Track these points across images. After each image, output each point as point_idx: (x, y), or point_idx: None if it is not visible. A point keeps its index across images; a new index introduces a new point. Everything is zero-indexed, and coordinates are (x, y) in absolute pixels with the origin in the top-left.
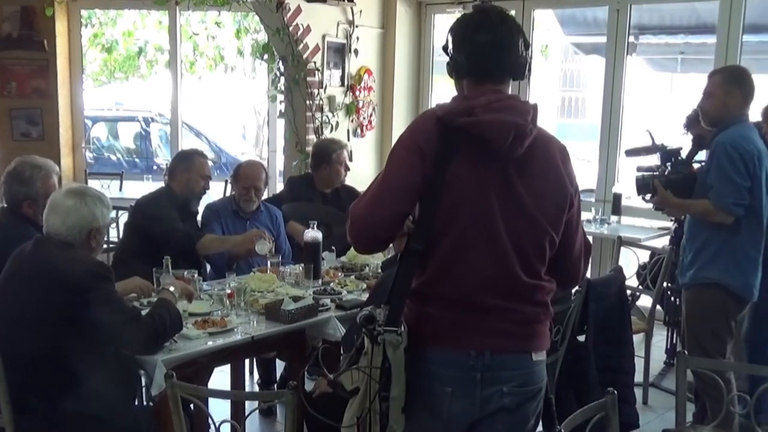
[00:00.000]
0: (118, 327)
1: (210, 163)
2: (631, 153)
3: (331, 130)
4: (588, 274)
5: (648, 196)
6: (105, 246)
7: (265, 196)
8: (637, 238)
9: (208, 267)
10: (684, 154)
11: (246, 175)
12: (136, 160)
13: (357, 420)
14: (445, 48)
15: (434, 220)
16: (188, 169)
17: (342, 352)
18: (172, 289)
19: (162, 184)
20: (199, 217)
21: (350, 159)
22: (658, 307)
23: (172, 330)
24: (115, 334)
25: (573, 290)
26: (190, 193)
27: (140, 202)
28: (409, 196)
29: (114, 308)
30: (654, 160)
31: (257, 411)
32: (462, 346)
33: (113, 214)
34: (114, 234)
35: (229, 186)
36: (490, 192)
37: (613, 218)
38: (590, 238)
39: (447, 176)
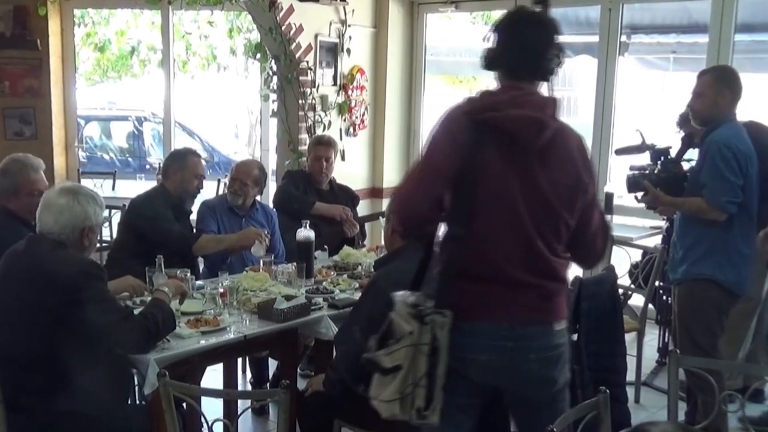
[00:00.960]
0: (110, 326)
1: (203, 162)
2: (620, 152)
3: (324, 130)
4: (580, 273)
5: (640, 195)
6: (98, 245)
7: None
8: (629, 237)
9: (201, 266)
10: (673, 152)
11: (236, 169)
12: (129, 159)
13: (400, 396)
14: (485, 39)
15: (467, 206)
16: (182, 168)
17: (335, 350)
18: (166, 289)
19: (155, 183)
20: (193, 216)
21: (342, 158)
22: (650, 306)
23: (165, 329)
24: (107, 334)
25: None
26: (184, 193)
27: (135, 202)
28: (445, 181)
29: (106, 307)
30: (646, 159)
31: (250, 410)
32: (496, 319)
33: (106, 213)
34: (107, 233)
35: (222, 185)
36: (514, 180)
37: (606, 217)
38: None
39: (477, 166)
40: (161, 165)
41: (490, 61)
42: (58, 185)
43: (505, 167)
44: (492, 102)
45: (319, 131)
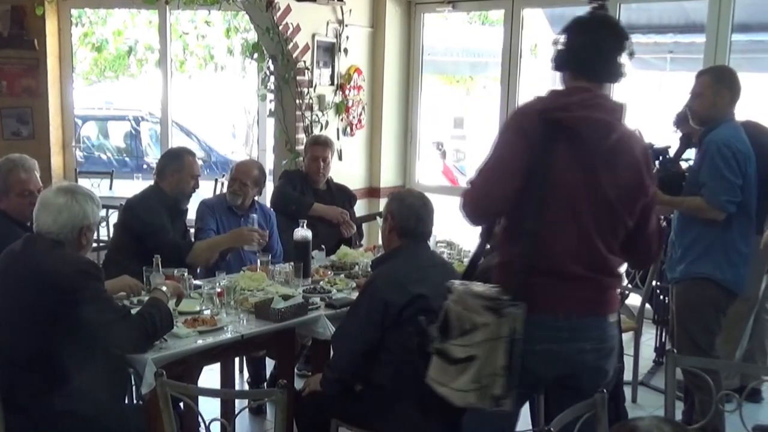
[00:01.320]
0: (107, 326)
1: (199, 161)
2: None
3: (321, 129)
4: None
5: None
6: (96, 245)
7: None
8: None
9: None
10: (672, 152)
11: (236, 169)
12: (126, 159)
13: (476, 386)
14: (555, 42)
15: (529, 202)
16: (179, 169)
17: (332, 349)
18: (164, 288)
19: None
20: (191, 215)
21: (339, 158)
22: (647, 305)
23: (163, 329)
24: (104, 333)
25: None
26: (180, 193)
27: (131, 204)
28: (517, 174)
29: (103, 307)
30: None
31: (247, 409)
32: (553, 311)
33: (103, 212)
34: (104, 233)
35: (219, 184)
36: (579, 179)
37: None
38: None
39: (547, 163)
40: (157, 164)
41: (561, 62)
42: (55, 185)
43: (571, 166)
44: (563, 103)
45: (316, 131)
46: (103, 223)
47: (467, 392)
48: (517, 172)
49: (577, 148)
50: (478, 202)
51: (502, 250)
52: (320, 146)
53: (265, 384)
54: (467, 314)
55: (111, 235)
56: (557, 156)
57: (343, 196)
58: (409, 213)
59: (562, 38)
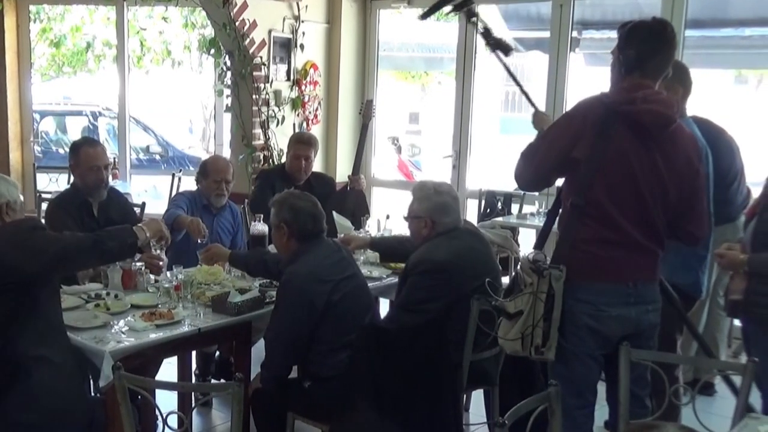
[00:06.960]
0: (61, 248)
1: (156, 156)
2: None
3: (277, 125)
4: None
5: None
6: None
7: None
8: None
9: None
10: None
11: (216, 169)
12: None
13: (521, 336)
14: (621, 49)
15: (596, 182)
16: (77, 163)
17: (264, 349)
18: (144, 228)
19: (111, 177)
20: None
21: None
22: None
23: (116, 251)
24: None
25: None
26: (86, 187)
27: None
28: (563, 156)
29: (52, 239)
30: None
31: (204, 403)
32: (623, 279)
33: None
34: None
35: (176, 180)
36: (637, 161)
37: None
38: (534, 231)
39: (607, 149)
40: (116, 159)
41: (631, 66)
42: None
43: (630, 152)
44: (629, 97)
45: (273, 126)
46: None
47: (514, 341)
48: (563, 154)
49: (635, 137)
50: (522, 171)
51: (568, 227)
52: (303, 145)
53: (211, 377)
54: (522, 275)
55: None
56: (617, 144)
57: (322, 185)
58: (305, 217)
59: (629, 42)
